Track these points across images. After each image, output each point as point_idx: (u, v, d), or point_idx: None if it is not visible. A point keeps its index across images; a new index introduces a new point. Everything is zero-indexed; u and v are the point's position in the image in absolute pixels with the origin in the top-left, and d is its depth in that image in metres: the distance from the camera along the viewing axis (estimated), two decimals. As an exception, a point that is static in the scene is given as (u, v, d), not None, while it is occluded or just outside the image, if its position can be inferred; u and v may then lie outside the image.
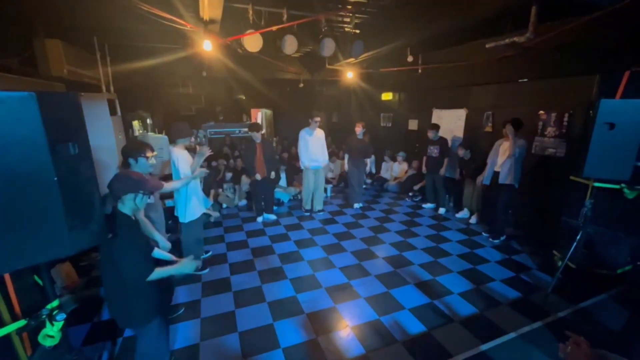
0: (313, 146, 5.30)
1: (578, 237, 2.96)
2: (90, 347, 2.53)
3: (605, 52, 3.34)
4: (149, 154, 2.59)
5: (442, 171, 5.40)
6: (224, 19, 3.53)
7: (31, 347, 1.77)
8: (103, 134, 3.97)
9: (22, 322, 1.54)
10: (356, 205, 5.90)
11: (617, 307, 2.92)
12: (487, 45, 3.91)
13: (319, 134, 5.38)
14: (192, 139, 3.56)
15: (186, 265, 1.97)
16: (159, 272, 1.83)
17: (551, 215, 3.97)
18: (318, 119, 5.26)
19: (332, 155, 7.44)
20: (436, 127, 5.42)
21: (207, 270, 3.64)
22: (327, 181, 6.91)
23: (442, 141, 5.39)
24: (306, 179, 5.46)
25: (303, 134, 5.29)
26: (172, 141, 3.37)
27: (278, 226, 5.04)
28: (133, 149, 2.60)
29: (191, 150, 3.46)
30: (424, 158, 5.63)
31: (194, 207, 3.45)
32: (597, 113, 2.50)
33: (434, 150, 5.44)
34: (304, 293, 3.24)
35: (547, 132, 4.18)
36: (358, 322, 2.81)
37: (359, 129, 5.61)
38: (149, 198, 1.91)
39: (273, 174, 5.14)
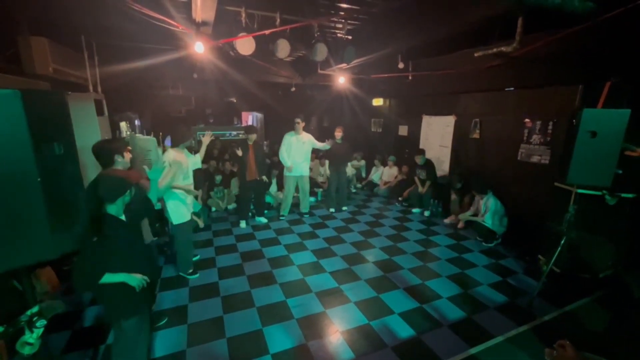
0: (298, 150, 5.23)
1: (562, 242, 3.03)
2: (70, 356, 2.45)
3: (587, 63, 3.47)
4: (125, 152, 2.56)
5: (423, 190, 5.68)
6: (216, 21, 3.52)
7: (8, 355, 1.69)
8: (89, 135, 3.87)
9: (-1, 329, 1.47)
10: (331, 210, 5.94)
11: (600, 310, 3.01)
12: (475, 54, 4.00)
13: (305, 137, 5.29)
14: (193, 142, 3.66)
15: (133, 279, 1.89)
16: (109, 276, 1.80)
17: (536, 220, 4.06)
18: (299, 120, 5.16)
19: (323, 158, 7.44)
20: (422, 152, 5.64)
21: (197, 275, 3.58)
22: (318, 185, 6.92)
23: (428, 164, 5.60)
24: (287, 185, 5.42)
25: (287, 136, 5.27)
26: (175, 145, 3.36)
27: (268, 230, 5.00)
28: (118, 145, 2.54)
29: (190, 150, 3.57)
30: (416, 178, 5.86)
31: (183, 209, 3.41)
32: (580, 122, 2.58)
33: (422, 173, 5.69)
34: (294, 298, 3.21)
35: (533, 139, 4.29)
36: (348, 326, 2.80)
37: (338, 134, 5.66)
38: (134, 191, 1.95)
39: (265, 178, 5.12)
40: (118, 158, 2.44)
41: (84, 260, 1.73)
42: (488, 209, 4.46)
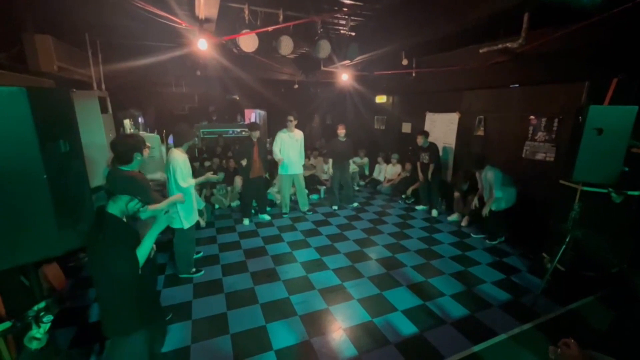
0: (291, 147, 5.19)
1: (567, 240, 3.01)
2: (77, 350, 2.48)
3: (594, 59, 3.42)
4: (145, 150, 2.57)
5: (429, 176, 5.48)
6: (219, 18, 3.51)
7: (16, 350, 1.72)
8: (94, 132, 3.91)
9: (7, 324, 1.49)
10: (334, 207, 5.91)
11: (605, 309, 2.99)
12: (480, 51, 3.97)
13: (297, 135, 5.27)
14: (196, 140, 3.58)
15: (160, 221, 1.82)
16: (142, 248, 1.70)
17: (541, 218, 4.04)
18: (291, 117, 5.13)
19: (325, 156, 7.44)
20: (425, 134, 5.49)
21: (202, 273, 3.59)
22: (321, 183, 6.92)
23: (432, 147, 5.47)
24: (282, 184, 5.41)
25: (279, 133, 5.23)
26: (179, 145, 3.30)
27: (271, 227, 5.02)
28: (137, 142, 2.51)
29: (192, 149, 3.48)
30: (418, 164, 5.69)
31: (194, 213, 3.40)
32: (586, 119, 2.55)
33: (425, 157, 5.54)
34: (297, 295, 3.22)
35: (538, 136, 4.26)
36: (351, 323, 2.81)
37: (341, 132, 5.63)
38: (142, 207, 1.78)
39: (267, 175, 5.12)
40: (137, 156, 2.41)
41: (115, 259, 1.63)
42: (492, 185, 4.21)
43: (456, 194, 5.34)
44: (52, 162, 1.21)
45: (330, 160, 5.92)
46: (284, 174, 5.31)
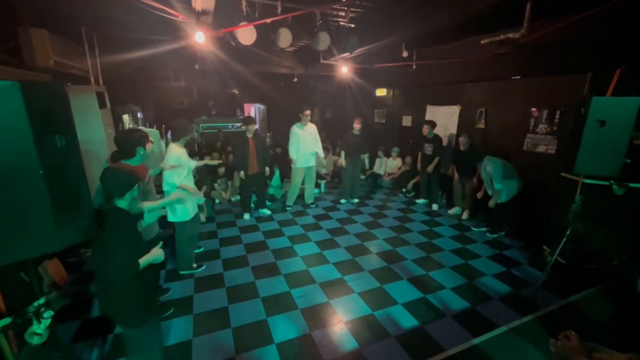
0: (305, 141, 5.24)
1: (567, 233, 3.01)
2: (80, 345, 2.50)
3: (597, 50, 3.37)
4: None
5: (430, 168, 5.41)
6: (216, 10, 3.46)
7: (17, 346, 1.72)
8: (92, 127, 3.87)
9: (7, 320, 1.49)
10: (349, 200, 5.91)
11: (605, 301, 3.00)
12: (482, 42, 3.91)
13: (311, 128, 5.33)
14: (196, 134, 3.54)
15: (157, 255, 1.91)
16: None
17: (542, 211, 4.02)
18: (308, 112, 5.19)
19: (325, 150, 7.40)
20: (431, 124, 5.41)
21: (203, 268, 3.61)
22: (321, 177, 6.90)
23: (436, 139, 5.41)
24: (295, 177, 5.43)
25: (294, 129, 5.25)
26: (176, 139, 3.26)
27: (271, 222, 5.02)
28: (140, 137, 2.49)
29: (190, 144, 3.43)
30: (419, 154, 5.64)
31: (187, 207, 3.34)
32: (588, 110, 2.52)
33: (428, 148, 5.46)
34: (298, 288, 3.24)
35: (539, 129, 4.23)
36: (351, 317, 2.82)
37: (357, 126, 5.61)
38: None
39: (267, 170, 5.11)
40: (140, 151, 2.42)
41: (119, 257, 1.68)
42: (491, 177, 4.16)
43: (456, 176, 5.19)
44: (48, 157, 1.19)
45: (343, 153, 5.87)
46: (299, 167, 5.34)
